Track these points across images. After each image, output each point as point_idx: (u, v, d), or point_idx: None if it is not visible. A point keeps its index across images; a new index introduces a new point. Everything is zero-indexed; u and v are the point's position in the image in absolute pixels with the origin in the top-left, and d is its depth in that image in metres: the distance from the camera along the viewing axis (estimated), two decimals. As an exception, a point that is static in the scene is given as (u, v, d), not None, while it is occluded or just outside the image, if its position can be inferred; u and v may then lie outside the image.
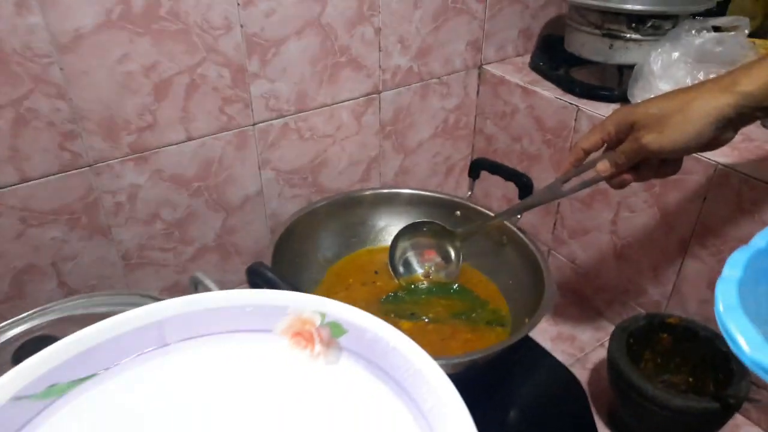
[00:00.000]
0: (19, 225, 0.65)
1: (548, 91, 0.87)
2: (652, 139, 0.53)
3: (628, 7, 0.76)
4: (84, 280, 0.73)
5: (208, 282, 0.55)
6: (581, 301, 0.94)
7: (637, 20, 0.78)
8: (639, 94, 0.77)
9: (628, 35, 0.79)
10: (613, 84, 0.84)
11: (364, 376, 0.37)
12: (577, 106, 0.82)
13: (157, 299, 0.54)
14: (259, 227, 0.85)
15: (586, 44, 0.85)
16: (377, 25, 0.80)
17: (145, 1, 0.62)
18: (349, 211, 0.80)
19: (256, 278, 0.54)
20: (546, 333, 0.88)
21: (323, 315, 0.38)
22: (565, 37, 0.90)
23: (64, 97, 0.62)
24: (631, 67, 0.80)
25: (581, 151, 0.60)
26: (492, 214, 0.75)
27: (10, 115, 0.60)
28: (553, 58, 0.92)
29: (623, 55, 0.81)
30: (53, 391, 0.33)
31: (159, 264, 0.79)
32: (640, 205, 0.79)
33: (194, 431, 0.34)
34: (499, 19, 0.93)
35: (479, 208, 0.76)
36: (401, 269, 0.78)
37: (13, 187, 0.63)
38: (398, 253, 0.78)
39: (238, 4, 0.68)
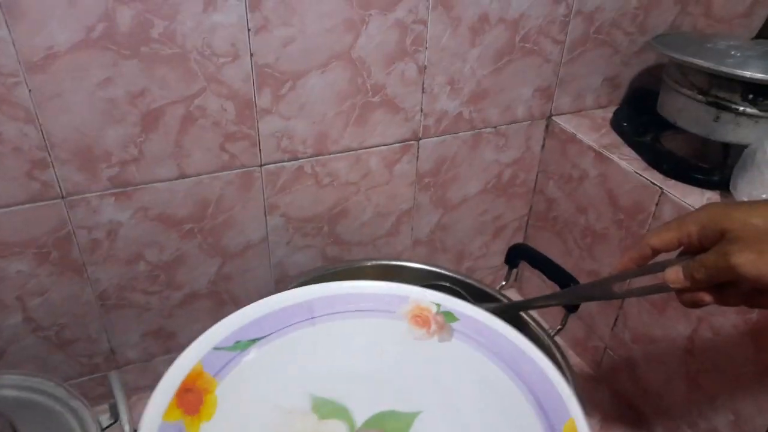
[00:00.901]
0: (-21, 255, 0.58)
1: (627, 162, 0.70)
2: (746, 261, 0.37)
3: (747, 74, 0.58)
4: (53, 317, 0.66)
5: (117, 391, 0.44)
6: (638, 419, 0.76)
7: (755, 91, 0.60)
8: (745, 187, 0.59)
9: (741, 108, 0.61)
10: (712, 165, 0.66)
11: (472, 352, 0.44)
12: (660, 188, 0.65)
13: (60, 385, 0.45)
14: (262, 276, 0.75)
15: (685, 111, 0.67)
16: (422, 63, 0.67)
17: (134, 20, 0.52)
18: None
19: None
20: (583, 457, 0.71)
21: (438, 305, 0.46)
22: (659, 97, 0.72)
23: (33, 121, 0.54)
24: (740, 148, 0.62)
25: (648, 249, 0.45)
26: (528, 305, 0.59)
27: (-32, 138, 0.52)
28: (640, 119, 0.75)
29: (731, 131, 0.63)
30: (238, 345, 0.43)
31: (141, 307, 0.70)
32: (727, 329, 0.61)
33: (333, 384, 0.43)
34: (579, 64, 0.77)
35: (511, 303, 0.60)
36: None
37: (-28, 214, 0.56)
38: None
39: (249, 30, 0.57)
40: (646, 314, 0.71)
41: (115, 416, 0.44)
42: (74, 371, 0.71)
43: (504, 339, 0.44)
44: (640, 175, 0.68)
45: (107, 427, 0.44)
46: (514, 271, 0.67)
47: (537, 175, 0.85)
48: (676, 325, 0.67)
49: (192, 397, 0.39)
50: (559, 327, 0.57)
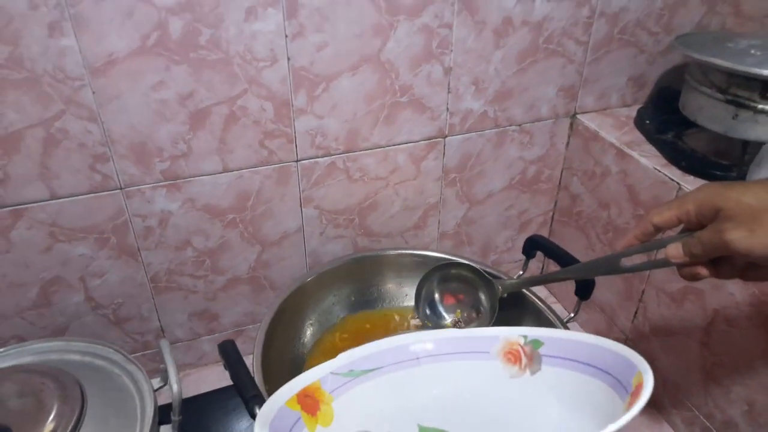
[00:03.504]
0: (48, 239, 0.66)
1: (647, 159, 0.72)
2: (739, 237, 0.40)
3: (765, 72, 0.60)
4: (111, 297, 0.73)
5: (167, 356, 0.50)
6: (657, 410, 0.78)
7: (773, 89, 0.61)
8: (760, 184, 0.60)
9: (759, 106, 0.63)
10: (731, 161, 0.67)
11: (559, 371, 0.48)
12: (678, 183, 0.67)
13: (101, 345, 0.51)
14: (297, 263, 0.80)
15: (705, 109, 0.69)
16: (448, 65, 0.71)
17: (184, 29, 0.58)
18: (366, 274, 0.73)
19: (226, 356, 0.50)
20: (600, 443, 0.73)
21: (525, 337, 0.51)
22: (681, 95, 0.74)
23: (95, 120, 0.60)
24: (759, 145, 0.63)
25: (650, 226, 0.48)
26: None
27: (40, 134, 0.59)
28: (663, 117, 0.76)
29: (749, 129, 0.64)
30: (352, 373, 0.49)
31: (188, 290, 0.76)
32: (743, 322, 0.62)
33: (437, 415, 0.48)
34: (603, 64, 0.79)
35: (530, 295, 0.64)
36: (427, 311, 0.69)
37: (43, 203, 0.63)
38: (423, 294, 0.69)
39: (287, 36, 0.62)
40: (664, 307, 0.73)
41: (165, 380, 0.50)
42: (128, 347, 0.78)
43: (589, 347, 0.48)
44: (659, 171, 0.70)
45: (158, 389, 0.50)
46: (534, 263, 0.70)
47: (562, 172, 0.88)
48: (693, 317, 0.69)
49: (310, 402, 0.45)
50: (571, 315, 0.60)
